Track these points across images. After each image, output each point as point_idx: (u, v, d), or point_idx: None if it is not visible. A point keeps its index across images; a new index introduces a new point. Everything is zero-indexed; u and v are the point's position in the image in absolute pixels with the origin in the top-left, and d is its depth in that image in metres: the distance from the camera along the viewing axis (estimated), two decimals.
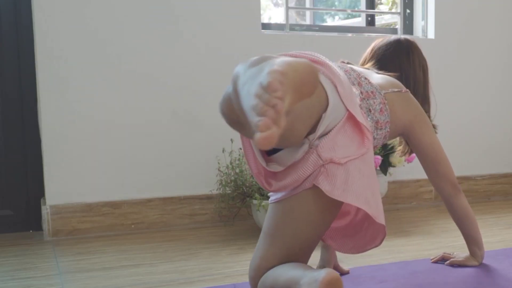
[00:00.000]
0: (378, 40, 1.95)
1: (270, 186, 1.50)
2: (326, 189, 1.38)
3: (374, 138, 1.62)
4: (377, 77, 1.73)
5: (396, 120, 1.68)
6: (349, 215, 1.65)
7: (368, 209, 1.41)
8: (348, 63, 1.75)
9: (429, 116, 1.84)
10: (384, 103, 1.63)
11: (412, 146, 1.80)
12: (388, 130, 1.67)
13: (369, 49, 1.94)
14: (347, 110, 1.42)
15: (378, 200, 1.47)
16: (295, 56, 1.45)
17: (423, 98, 1.86)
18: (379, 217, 1.44)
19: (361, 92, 1.60)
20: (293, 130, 1.36)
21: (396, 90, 1.70)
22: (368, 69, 1.80)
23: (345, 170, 1.39)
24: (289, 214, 1.46)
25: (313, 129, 1.41)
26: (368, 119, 1.59)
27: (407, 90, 1.74)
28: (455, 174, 1.82)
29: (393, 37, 1.93)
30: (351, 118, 1.43)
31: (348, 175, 1.39)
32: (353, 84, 1.60)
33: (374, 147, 1.63)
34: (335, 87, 1.43)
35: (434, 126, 1.81)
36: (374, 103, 1.61)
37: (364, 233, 1.59)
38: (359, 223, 1.62)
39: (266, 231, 1.51)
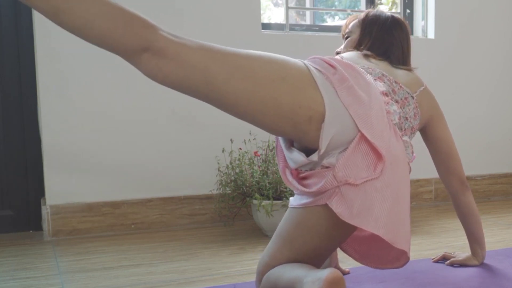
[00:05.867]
0: (356, 17, 1.83)
1: (290, 184, 1.50)
2: (339, 212, 1.36)
3: (411, 145, 1.56)
4: (400, 74, 1.67)
5: (422, 119, 1.69)
6: None
7: (384, 234, 1.36)
8: (368, 55, 1.69)
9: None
10: (416, 106, 1.63)
11: (426, 139, 1.80)
12: (417, 131, 1.67)
13: (354, 24, 1.81)
14: (359, 130, 1.37)
15: (401, 223, 1.40)
16: (324, 61, 1.44)
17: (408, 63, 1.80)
18: (398, 242, 1.38)
19: (397, 101, 1.57)
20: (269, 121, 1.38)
21: (421, 88, 1.69)
22: (380, 60, 1.70)
23: (362, 192, 1.36)
24: (302, 224, 1.46)
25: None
26: (406, 126, 1.58)
27: (425, 84, 1.73)
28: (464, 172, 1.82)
29: (378, 13, 1.80)
30: (365, 137, 1.38)
31: (366, 198, 1.35)
32: (388, 92, 1.56)
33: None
34: (336, 92, 1.38)
35: None
36: (409, 110, 1.60)
37: (387, 251, 1.54)
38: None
39: (279, 233, 1.51)
